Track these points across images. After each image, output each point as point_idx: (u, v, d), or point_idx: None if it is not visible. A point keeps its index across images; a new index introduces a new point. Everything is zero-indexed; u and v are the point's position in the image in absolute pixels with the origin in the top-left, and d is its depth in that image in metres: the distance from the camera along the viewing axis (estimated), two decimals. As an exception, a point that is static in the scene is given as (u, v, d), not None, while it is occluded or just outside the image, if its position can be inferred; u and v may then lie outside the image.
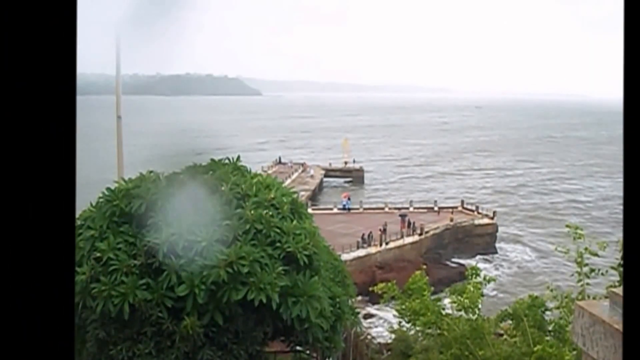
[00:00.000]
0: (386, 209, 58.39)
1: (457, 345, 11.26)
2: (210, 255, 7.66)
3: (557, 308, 11.37)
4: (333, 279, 9.95)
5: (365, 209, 59.24)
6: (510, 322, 12.18)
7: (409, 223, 50.91)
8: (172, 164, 10.01)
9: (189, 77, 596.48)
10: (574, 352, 9.31)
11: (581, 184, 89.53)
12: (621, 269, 8.89)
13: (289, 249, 8.23)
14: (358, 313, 11.07)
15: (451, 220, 54.23)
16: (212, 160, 9.86)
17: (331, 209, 58.47)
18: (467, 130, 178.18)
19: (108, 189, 8.75)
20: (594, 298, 8.25)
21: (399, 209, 57.72)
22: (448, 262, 50.11)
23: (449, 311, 12.35)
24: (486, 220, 55.93)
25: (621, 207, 1.68)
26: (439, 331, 12.17)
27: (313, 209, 50.92)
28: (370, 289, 14.42)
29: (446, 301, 12.76)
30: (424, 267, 15.27)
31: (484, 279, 12.98)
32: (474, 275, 12.48)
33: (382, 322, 35.64)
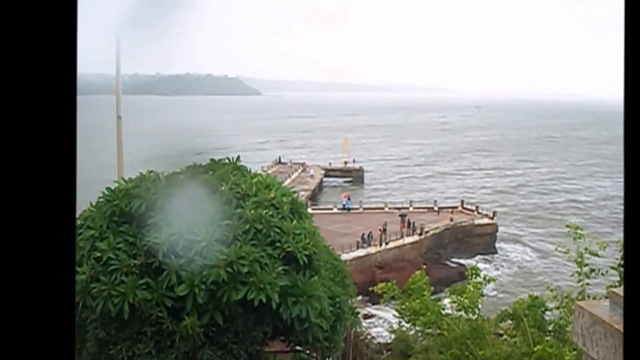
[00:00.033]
0: (386, 209, 58.36)
1: (457, 345, 11.26)
2: (210, 255, 7.67)
3: (557, 308, 11.36)
4: (333, 278, 9.95)
5: (365, 208, 59.21)
6: (510, 322, 12.17)
7: (409, 223, 50.89)
8: (172, 164, 10.02)
9: (188, 77, 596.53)
10: (574, 352, 9.30)
11: (581, 183, 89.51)
12: (621, 269, 8.90)
13: (288, 249, 8.24)
14: (358, 313, 11.07)
15: (451, 220, 54.21)
16: (212, 160, 9.87)
17: (331, 208, 58.44)
18: (467, 130, 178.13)
19: (108, 188, 8.76)
20: (594, 298, 8.25)
21: (399, 208, 57.68)
22: (448, 262, 50.08)
23: (449, 311, 12.34)
24: (486, 220, 55.91)
25: (621, 207, 1.68)
26: (438, 331, 12.17)
27: (313, 209, 50.92)
28: (370, 288, 14.41)
29: (446, 301, 12.75)
30: (424, 267, 15.26)
31: (484, 279, 12.98)
32: (474, 275, 12.48)
33: (381, 322, 35.64)
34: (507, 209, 68.62)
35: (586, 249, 10.67)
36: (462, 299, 11.72)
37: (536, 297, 11.77)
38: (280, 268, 7.95)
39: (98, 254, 7.81)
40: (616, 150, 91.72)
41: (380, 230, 47.96)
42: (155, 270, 7.82)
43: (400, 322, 13.61)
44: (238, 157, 10.05)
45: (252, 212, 8.26)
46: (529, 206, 72.87)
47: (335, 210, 58.07)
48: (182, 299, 7.63)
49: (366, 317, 34.24)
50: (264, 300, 7.54)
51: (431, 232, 51.47)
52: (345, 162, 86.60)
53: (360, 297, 27.67)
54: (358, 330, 17.08)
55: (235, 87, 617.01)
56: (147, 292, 7.65)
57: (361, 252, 45.48)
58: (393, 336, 20.59)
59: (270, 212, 8.44)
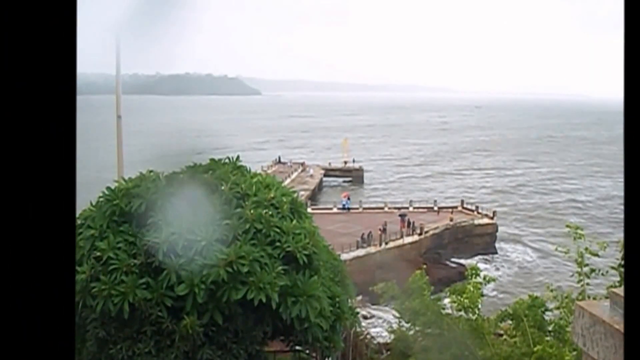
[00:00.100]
0: (386, 209, 58.35)
1: (457, 345, 11.26)
2: (210, 254, 7.66)
3: (558, 308, 11.35)
4: (332, 278, 9.94)
5: (364, 208, 59.20)
6: (510, 322, 12.17)
7: (409, 223, 50.88)
8: (172, 164, 10.01)
9: (188, 77, 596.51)
10: (574, 353, 9.30)
11: (581, 183, 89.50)
12: (622, 269, 8.90)
13: (288, 249, 8.24)
14: (357, 313, 11.07)
15: (451, 220, 54.20)
16: (212, 159, 9.86)
17: (331, 208, 58.45)
18: (467, 130, 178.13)
19: (108, 188, 8.76)
20: (594, 298, 8.25)
21: (399, 208, 57.66)
22: (448, 262, 50.09)
23: (449, 311, 12.34)
24: (486, 220, 55.91)
25: (621, 207, 1.68)
26: (438, 331, 12.17)
27: (313, 209, 50.91)
28: (370, 288, 14.41)
29: (446, 301, 12.74)
30: (424, 266, 15.26)
31: (484, 279, 12.97)
32: (473, 275, 12.48)
33: (381, 322, 35.63)
34: (507, 209, 68.64)
35: (586, 249, 10.67)
36: (462, 299, 11.72)
37: (536, 297, 11.76)
38: (280, 268, 7.95)
39: (98, 254, 7.81)
40: (616, 150, 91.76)
41: (380, 230, 47.96)
42: (155, 270, 7.82)
43: (400, 322, 13.60)
44: (238, 157, 10.04)
45: (252, 211, 8.26)
46: (529, 206, 72.89)
47: (335, 210, 58.07)
48: (182, 298, 7.63)
49: (366, 317, 34.22)
50: (264, 300, 7.54)
51: (431, 232, 51.46)
52: (345, 162, 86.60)
53: (360, 297, 27.63)
54: (358, 330, 17.07)
55: (235, 87, 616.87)
56: (147, 292, 7.65)
57: (361, 252, 45.45)
58: (393, 336, 20.58)
59: (270, 212, 8.44)
